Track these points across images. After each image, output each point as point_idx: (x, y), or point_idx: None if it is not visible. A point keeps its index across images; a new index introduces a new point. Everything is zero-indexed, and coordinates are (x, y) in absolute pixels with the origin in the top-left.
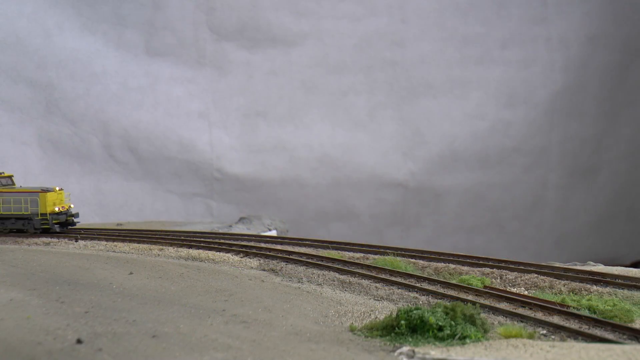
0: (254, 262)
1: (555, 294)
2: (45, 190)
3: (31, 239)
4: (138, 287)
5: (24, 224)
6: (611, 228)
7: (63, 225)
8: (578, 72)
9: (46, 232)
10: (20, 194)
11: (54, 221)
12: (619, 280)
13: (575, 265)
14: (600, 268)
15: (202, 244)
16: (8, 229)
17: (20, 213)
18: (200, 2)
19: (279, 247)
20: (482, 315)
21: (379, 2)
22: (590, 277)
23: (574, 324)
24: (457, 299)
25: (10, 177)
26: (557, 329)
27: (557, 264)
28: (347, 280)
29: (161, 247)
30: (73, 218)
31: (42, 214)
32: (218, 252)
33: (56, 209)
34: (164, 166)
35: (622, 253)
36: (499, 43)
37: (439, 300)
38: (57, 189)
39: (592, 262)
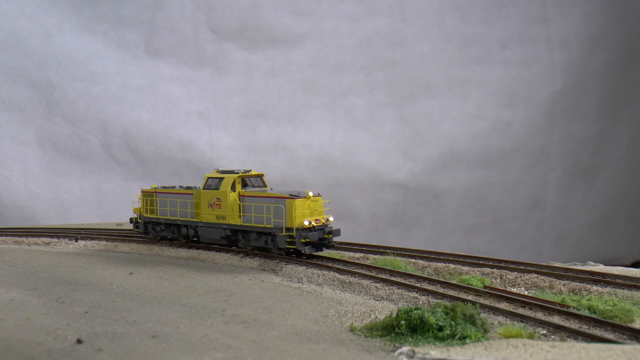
0: (254, 262)
1: (555, 294)
2: (294, 197)
3: (31, 238)
4: (138, 287)
5: (267, 240)
6: (611, 228)
7: (317, 247)
8: (578, 72)
9: (298, 255)
10: (261, 199)
11: (302, 239)
12: (619, 280)
13: (575, 265)
14: (600, 268)
15: (202, 244)
16: (251, 246)
17: (262, 226)
18: (200, 2)
19: None
20: (482, 315)
21: (379, 2)
22: (590, 277)
23: (574, 324)
24: (457, 299)
25: (260, 176)
26: (557, 329)
27: (557, 264)
28: (347, 280)
29: (161, 247)
30: (332, 236)
31: (287, 229)
32: (218, 252)
33: (306, 223)
34: (164, 166)
35: (622, 253)
36: (499, 43)
37: (439, 300)
38: (311, 194)
39: (592, 262)
